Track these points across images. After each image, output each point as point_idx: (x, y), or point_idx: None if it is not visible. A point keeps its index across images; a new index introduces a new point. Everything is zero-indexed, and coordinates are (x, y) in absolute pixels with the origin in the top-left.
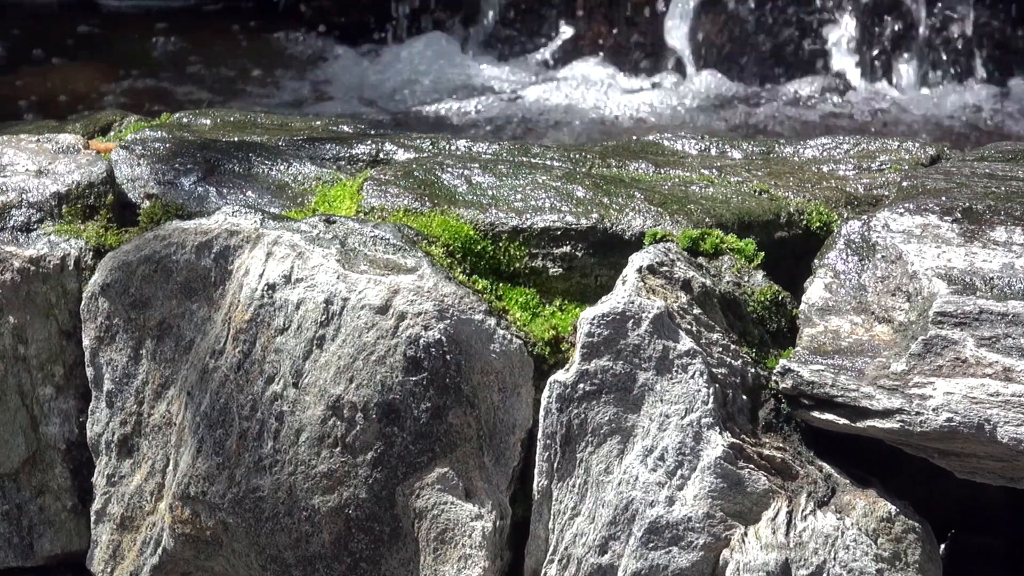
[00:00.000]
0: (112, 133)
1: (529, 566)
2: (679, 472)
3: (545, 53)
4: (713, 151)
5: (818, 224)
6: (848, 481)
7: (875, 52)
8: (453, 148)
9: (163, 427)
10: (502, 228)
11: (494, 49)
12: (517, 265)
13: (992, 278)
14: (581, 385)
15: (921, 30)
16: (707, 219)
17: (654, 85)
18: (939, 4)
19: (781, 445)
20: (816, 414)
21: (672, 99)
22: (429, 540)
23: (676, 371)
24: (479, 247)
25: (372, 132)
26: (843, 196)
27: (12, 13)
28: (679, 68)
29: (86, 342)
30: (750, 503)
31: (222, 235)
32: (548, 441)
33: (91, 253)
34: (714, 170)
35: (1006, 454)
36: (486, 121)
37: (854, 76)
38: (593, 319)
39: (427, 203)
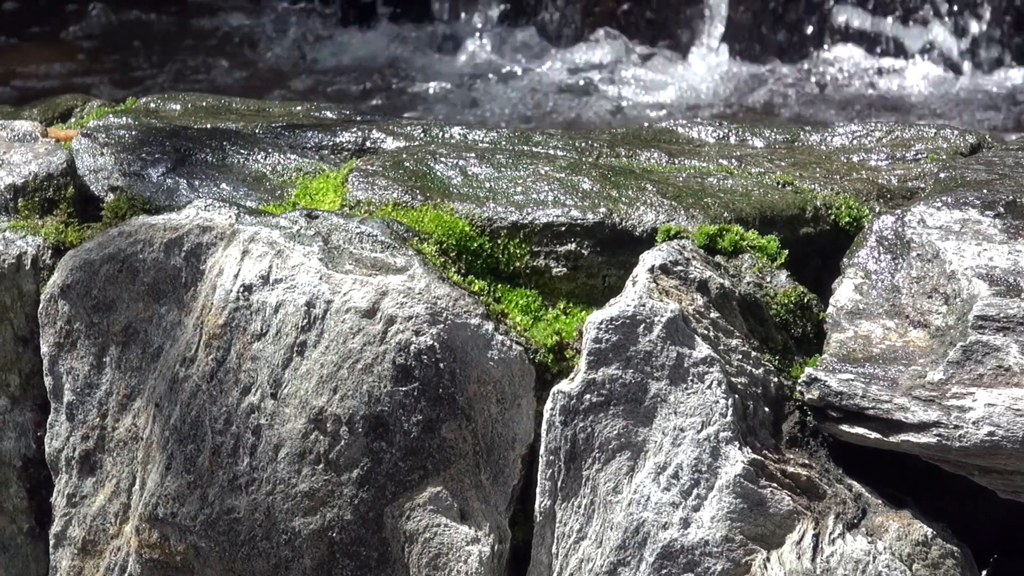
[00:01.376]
0: (73, 119)
1: None
2: (695, 491)
3: (548, 29)
4: (732, 139)
5: (847, 219)
6: (880, 501)
7: (911, 31)
8: (447, 136)
9: (129, 442)
10: (501, 224)
11: (492, 24)
12: (517, 264)
13: None
14: (587, 396)
15: (960, 7)
16: (726, 214)
17: (669, 65)
18: None
19: (807, 462)
20: (845, 428)
21: (689, 81)
22: (421, 566)
23: (692, 380)
24: (475, 245)
25: (358, 118)
26: (875, 188)
27: None
28: (695, 47)
29: (44, 349)
30: (773, 525)
31: (194, 231)
32: (551, 457)
33: (50, 251)
34: (733, 160)
35: None
36: (481, 104)
37: (888, 56)
38: (600, 323)
39: (418, 196)
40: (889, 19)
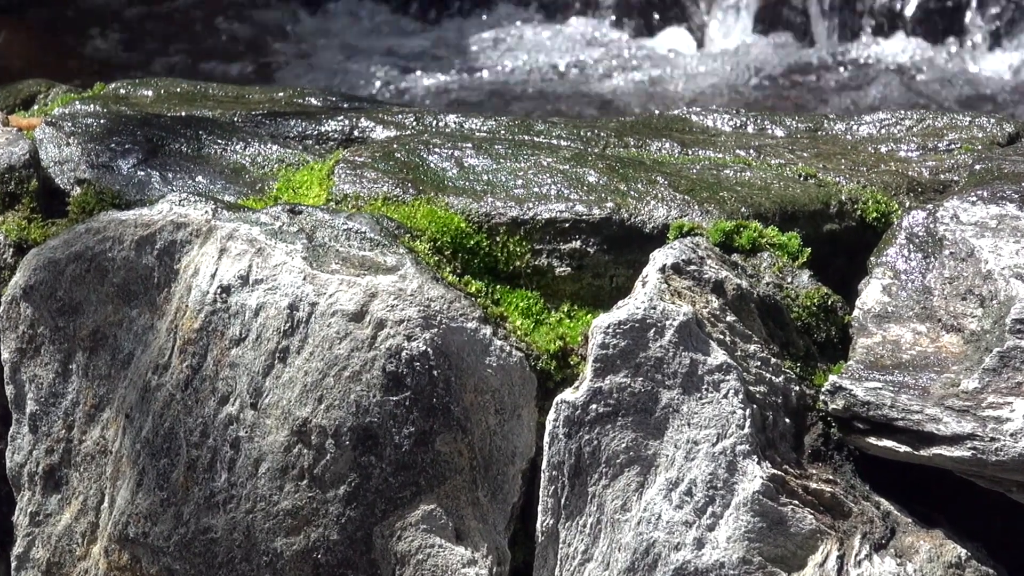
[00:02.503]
0: (36, 107)
1: None
2: (710, 509)
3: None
4: (751, 127)
5: (875, 215)
6: (910, 520)
7: (943, 10)
8: (441, 124)
9: (97, 456)
10: (499, 220)
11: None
12: (517, 264)
13: None
14: (593, 406)
15: None
16: (743, 209)
17: (681, 48)
18: None
19: (831, 477)
20: (872, 440)
21: (701, 64)
22: None
23: (706, 389)
24: (472, 242)
25: (345, 105)
26: (904, 181)
27: None
28: (711, 26)
29: (5, 355)
30: (794, 546)
31: (167, 228)
32: (554, 472)
33: (11, 249)
34: (752, 150)
35: None
36: (476, 91)
37: (920, 38)
38: (608, 327)
39: (410, 190)
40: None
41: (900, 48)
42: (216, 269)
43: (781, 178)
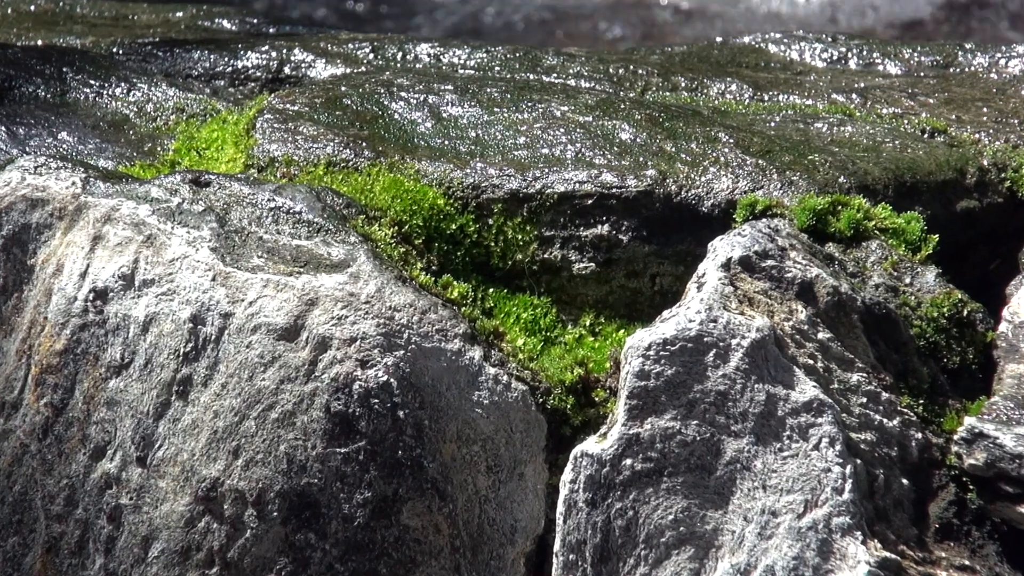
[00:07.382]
0: None
1: None
2: None
3: None
4: (852, 61)
5: None
6: None
7: None
8: (410, 57)
9: None
10: (493, 194)
11: None
12: (519, 257)
13: None
14: (628, 461)
15: None
16: (842, 179)
17: None
18: None
19: (967, 563)
20: None
21: None
22: None
23: (789, 437)
24: (454, 226)
25: (271, 31)
26: None
27: None
28: None
29: None
30: None
31: (18, 206)
32: (572, 556)
33: None
34: (854, 95)
35: None
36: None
37: None
38: (648, 349)
39: (366, 151)
40: None
41: None
42: (88, 265)
43: (896, 135)
